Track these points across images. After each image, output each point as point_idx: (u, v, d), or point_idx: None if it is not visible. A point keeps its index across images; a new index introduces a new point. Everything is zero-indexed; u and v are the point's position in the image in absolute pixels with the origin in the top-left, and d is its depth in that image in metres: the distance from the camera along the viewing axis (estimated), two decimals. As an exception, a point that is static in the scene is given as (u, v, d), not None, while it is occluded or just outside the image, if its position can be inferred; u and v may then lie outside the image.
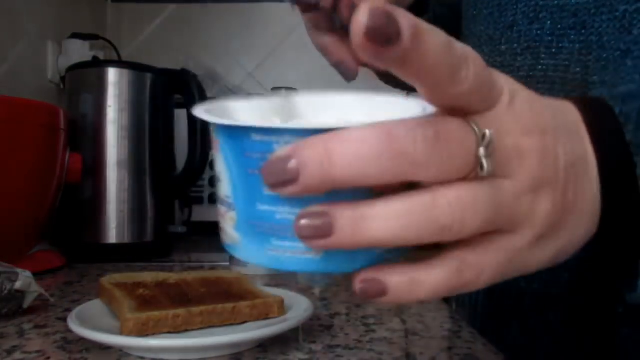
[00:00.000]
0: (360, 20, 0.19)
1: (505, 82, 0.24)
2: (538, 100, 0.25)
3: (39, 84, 1.16)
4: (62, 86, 1.15)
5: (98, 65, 0.96)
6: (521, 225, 0.24)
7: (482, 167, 0.22)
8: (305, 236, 0.21)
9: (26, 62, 1.10)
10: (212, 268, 0.84)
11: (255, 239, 0.24)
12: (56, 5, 1.23)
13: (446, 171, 0.21)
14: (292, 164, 0.20)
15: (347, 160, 0.20)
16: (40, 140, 0.78)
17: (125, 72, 0.93)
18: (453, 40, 0.21)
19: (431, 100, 0.23)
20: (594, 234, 0.27)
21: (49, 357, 0.42)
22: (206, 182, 1.22)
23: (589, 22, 0.39)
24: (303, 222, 0.21)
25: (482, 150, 0.22)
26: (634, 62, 0.37)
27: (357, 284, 0.23)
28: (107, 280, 0.51)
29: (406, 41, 0.19)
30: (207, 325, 0.45)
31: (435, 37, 0.20)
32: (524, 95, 0.25)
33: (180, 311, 0.44)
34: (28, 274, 0.53)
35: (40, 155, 0.78)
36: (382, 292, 0.22)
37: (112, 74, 0.92)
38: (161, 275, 0.53)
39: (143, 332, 0.42)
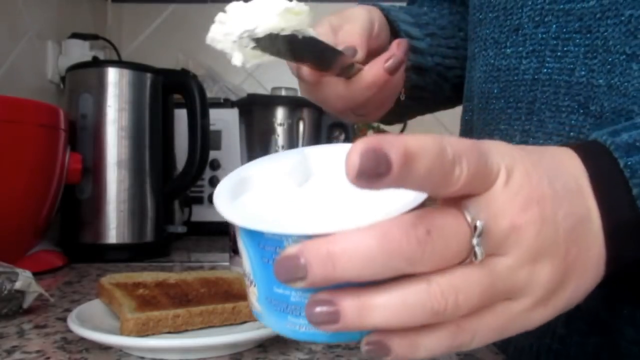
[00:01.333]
0: (353, 162, 0.21)
1: (502, 160, 0.25)
2: (535, 170, 0.26)
3: (39, 84, 1.16)
4: (62, 86, 1.15)
5: (98, 65, 0.96)
6: (520, 294, 0.25)
7: (475, 255, 0.24)
8: (316, 322, 0.24)
9: (26, 62, 1.10)
10: (212, 268, 0.84)
11: (275, 313, 0.27)
12: (56, 5, 1.23)
13: (440, 263, 0.24)
14: (300, 264, 0.23)
15: (347, 263, 0.23)
16: (40, 140, 0.78)
17: (125, 72, 0.93)
18: (445, 144, 0.23)
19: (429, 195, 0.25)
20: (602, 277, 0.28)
21: (49, 357, 0.42)
22: (206, 182, 1.22)
23: (594, 26, 0.39)
24: (313, 310, 0.24)
25: (474, 240, 0.24)
26: (639, 66, 0.37)
27: (363, 346, 0.25)
28: (107, 280, 0.51)
29: (396, 171, 0.21)
30: (207, 325, 0.45)
31: (426, 155, 0.22)
32: (521, 170, 0.26)
33: (180, 311, 0.44)
34: (28, 274, 0.53)
35: (40, 155, 0.78)
36: (386, 352, 0.25)
37: (112, 74, 0.92)
38: (161, 275, 0.53)
39: (143, 332, 0.42)
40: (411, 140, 0.22)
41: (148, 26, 1.55)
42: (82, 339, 0.44)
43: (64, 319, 0.48)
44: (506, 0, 0.44)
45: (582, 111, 0.40)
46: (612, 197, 0.27)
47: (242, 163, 1.23)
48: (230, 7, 0.34)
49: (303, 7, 0.35)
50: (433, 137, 0.23)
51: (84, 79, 0.94)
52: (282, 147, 1.20)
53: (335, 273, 0.23)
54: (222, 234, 0.89)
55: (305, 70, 0.44)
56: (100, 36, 1.30)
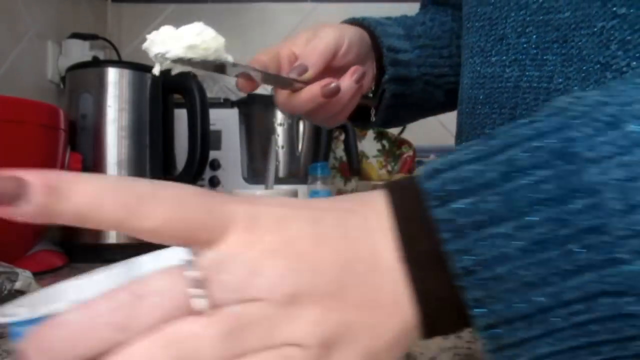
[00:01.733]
0: None
1: (242, 209, 0.24)
2: (291, 216, 0.25)
3: (39, 84, 1.16)
4: (62, 86, 1.15)
5: (98, 65, 0.96)
6: (295, 339, 0.23)
7: (198, 307, 0.22)
8: None
9: (26, 62, 1.10)
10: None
11: None
12: (56, 5, 1.23)
13: (157, 322, 0.22)
14: (25, 354, 0.22)
15: (59, 343, 0.22)
16: (40, 140, 0.78)
17: (125, 72, 0.93)
18: (129, 185, 0.23)
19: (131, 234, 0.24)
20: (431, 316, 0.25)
21: (49, 357, 0.42)
22: (206, 182, 1.22)
23: (570, 37, 0.41)
24: None
25: (191, 291, 0.22)
26: (613, 75, 0.39)
27: None
28: (107, 280, 0.51)
29: (37, 197, 0.21)
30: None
31: (84, 188, 0.22)
32: (268, 216, 0.25)
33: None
34: (28, 274, 0.53)
35: (40, 155, 0.78)
36: None
37: (112, 74, 0.92)
38: (161, 275, 0.53)
39: (143, 332, 0.42)
40: (68, 175, 0.22)
41: (148, 26, 1.55)
42: (82, 339, 0.44)
43: (64, 319, 0.48)
44: (492, 10, 0.46)
45: None
46: (412, 228, 0.25)
47: (242, 163, 1.23)
48: (161, 28, 0.43)
49: (212, 43, 0.44)
50: (110, 178, 0.23)
51: (84, 79, 0.94)
52: (282, 147, 1.20)
53: (52, 356, 0.22)
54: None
55: (240, 81, 0.49)
56: (100, 36, 1.30)
